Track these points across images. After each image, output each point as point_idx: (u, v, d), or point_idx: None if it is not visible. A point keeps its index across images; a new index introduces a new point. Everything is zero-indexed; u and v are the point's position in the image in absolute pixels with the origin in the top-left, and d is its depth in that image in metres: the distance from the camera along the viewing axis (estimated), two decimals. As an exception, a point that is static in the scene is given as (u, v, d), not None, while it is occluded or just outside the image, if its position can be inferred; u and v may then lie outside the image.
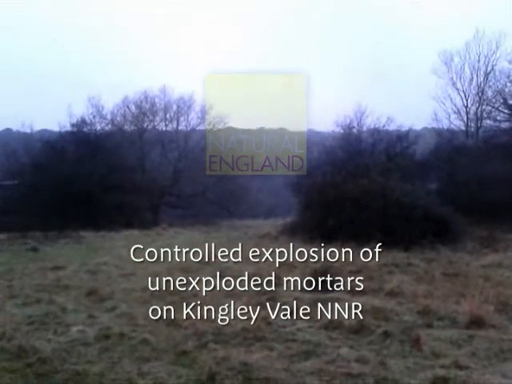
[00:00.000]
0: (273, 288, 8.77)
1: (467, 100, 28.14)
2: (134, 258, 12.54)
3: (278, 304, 7.67)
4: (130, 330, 6.24)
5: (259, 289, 8.67)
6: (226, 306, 7.54)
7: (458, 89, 28.20)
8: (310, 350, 5.59)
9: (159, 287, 8.74)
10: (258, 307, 7.46)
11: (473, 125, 28.22)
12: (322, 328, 6.46)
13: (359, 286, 8.83)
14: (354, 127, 27.89)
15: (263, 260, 12.02)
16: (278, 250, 14.10)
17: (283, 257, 12.55)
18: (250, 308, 7.38)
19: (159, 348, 5.63)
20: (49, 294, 8.30)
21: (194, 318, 6.72)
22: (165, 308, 7.41)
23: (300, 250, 13.95)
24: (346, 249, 13.41)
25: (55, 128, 29.70)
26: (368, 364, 5.10)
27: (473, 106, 28.03)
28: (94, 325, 6.52)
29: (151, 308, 7.42)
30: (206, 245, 15.65)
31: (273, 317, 6.88)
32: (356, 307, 7.39)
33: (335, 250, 13.43)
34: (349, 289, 8.58)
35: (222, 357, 5.18)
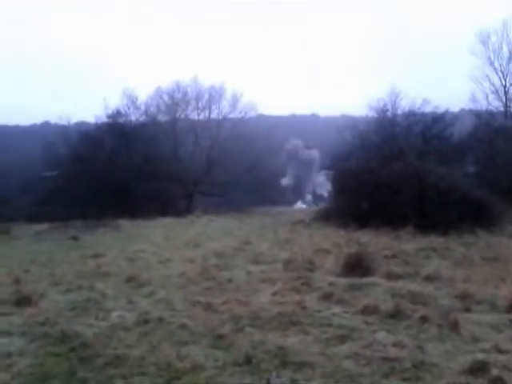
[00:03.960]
0: (307, 273, 8.81)
1: (506, 80, 27.11)
2: (170, 245, 12.85)
3: (313, 289, 7.70)
4: (169, 315, 6.36)
5: (294, 274, 8.72)
6: (261, 291, 7.64)
7: (495, 68, 27.18)
8: (345, 335, 5.57)
9: (196, 273, 8.93)
10: (293, 292, 7.53)
11: (512, 105, 27.22)
12: (358, 313, 6.43)
13: (395, 271, 8.77)
14: (388, 110, 27.30)
15: (297, 246, 12.12)
16: (311, 236, 14.21)
17: (317, 242, 12.63)
18: (285, 293, 7.45)
19: (197, 332, 5.72)
20: (89, 280, 8.52)
21: (230, 302, 6.80)
22: (202, 293, 7.57)
23: (334, 235, 14.05)
24: (381, 233, 13.48)
25: (91, 120, 30.31)
26: (405, 348, 5.05)
27: (512, 86, 27.02)
28: (133, 310, 6.69)
29: (188, 293, 7.60)
30: (240, 231, 15.96)
31: (308, 301, 6.88)
32: (392, 292, 7.37)
33: (370, 234, 13.52)
34: (385, 273, 8.52)
35: (258, 340, 5.24)
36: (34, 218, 19.01)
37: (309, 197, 44.24)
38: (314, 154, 46.20)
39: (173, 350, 5.13)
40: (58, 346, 5.36)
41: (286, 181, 42.31)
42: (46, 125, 41.85)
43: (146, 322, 6.13)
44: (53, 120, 34.87)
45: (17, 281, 8.43)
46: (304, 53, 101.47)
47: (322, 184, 35.81)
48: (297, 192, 43.57)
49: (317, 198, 39.68)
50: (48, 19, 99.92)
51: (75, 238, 14.52)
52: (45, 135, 27.69)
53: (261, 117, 37.23)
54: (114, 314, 6.47)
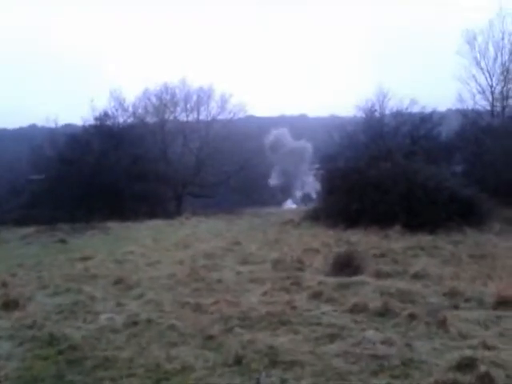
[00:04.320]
0: (297, 273, 8.83)
1: (492, 79, 27.33)
2: (158, 247, 12.80)
3: (303, 288, 7.71)
4: (158, 316, 6.34)
5: (283, 274, 8.73)
6: (250, 291, 7.63)
7: (482, 68, 27.38)
8: (335, 333, 5.58)
9: (185, 274, 8.90)
10: (283, 292, 7.54)
11: (498, 104, 27.40)
12: (347, 311, 6.45)
13: (384, 270, 8.82)
14: (375, 110, 27.48)
15: (286, 245, 12.13)
16: (300, 236, 14.23)
17: (306, 242, 12.65)
18: (275, 292, 7.46)
19: (186, 333, 5.70)
20: (77, 283, 8.46)
21: (219, 303, 6.79)
22: (191, 294, 7.55)
23: (323, 234, 14.09)
24: (370, 233, 13.54)
25: (79, 122, 30.09)
26: (394, 346, 5.07)
27: (498, 86, 27.19)
28: (122, 312, 6.65)
29: (177, 294, 7.57)
30: (229, 232, 15.94)
31: (297, 301, 6.89)
32: (381, 290, 7.40)
33: (359, 234, 13.58)
34: (373, 272, 8.56)
35: (248, 340, 5.23)
36: (21, 221, 18.85)
37: (298, 195, 41.46)
38: (305, 145, 42.59)
39: (162, 351, 5.11)
40: (45, 349, 5.32)
41: (273, 179, 40.32)
42: (33, 128, 41.48)
43: (135, 323, 6.10)
44: (40, 123, 34.60)
45: (4, 284, 8.34)
46: (293, 54, 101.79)
47: (311, 183, 34.51)
48: (285, 191, 41.55)
49: (306, 197, 37.24)
50: (34, 20, 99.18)
51: (63, 241, 14.40)
52: (32, 138, 27.41)
53: (250, 118, 37.23)
54: (103, 317, 6.43)
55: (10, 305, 6.97)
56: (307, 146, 42.03)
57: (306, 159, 41.47)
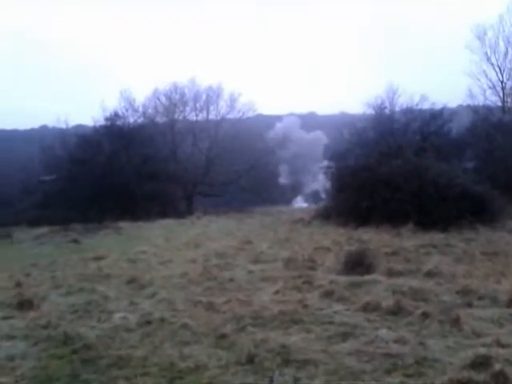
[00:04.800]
0: (308, 271, 8.82)
1: (503, 75, 27.14)
2: (170, 246, 12.86)
3: (314, 287, 7.71)
4: (171, 315, 6.37)
5: (295, 272, 8.73)
6: (262, 290, 7.65)
7: (492, 63, 27.21)
8: (347, 332, 5.58)
9: (197, 273, 8.94)
10: (295, 290, 7.54)
11: (509, 100, 27.24)
12: (359, 310, 6.44)
13: (396, 268, 8.78)
14: (385, 107, 27.33)
15: (297, 244, 12.13)
16: (311, 234, 14.22)
17: (317, 240, 12.64)
18: (287, 291, 7.46)
19: (199, 332, 5.73)
20: (91, 283, 8.53)
21: (231, 302, 6.81)
22: (203, 293, 7.58)
23: (334, 233, 14.07)
24: (382, 231, 13.49)
25: (89, 123, 30.34)
26: (407, 344, 5.06)
27: (509, 81, 27.02)
28: (135, 311, 6.70)
29: (190, 293, 7.61)
30: (240, 231, 15.97)
31: (309, 300, 6.89)
32: (393, 289, 7.37)
33: (370, 232, 13.53)
34: (385, 271, 8.53)
35: (260, 339, 5.24)
36: (34, 221, 19.04)
37: (308, 192, 39.17)
38: (319, 135, 39.27)
39: (175, 350, 5.15)
40: (60, 348, 5.36)
41: (282, 177, 38.72)
42: (44, 129, 41.82)
43: (148, 322, 6.14)
44: (51, 124, 34.88)
45: (18, 284, 8.44)
46: (302, 52, 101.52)
47: (322, 180, 33.04)
48: (296, 189, 40.25)
49: (315, 194, 35.58)
50: (46, 21, 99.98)
51: (76, 241, 14.54)
52: (43, 139, 27.64)
53: (259, 116, 37.18)
54: (116, 316, 6.47)
55: (25, 305, 7.05)
56: (320, 137, 39.28)
57: (319, 152, 37.17)
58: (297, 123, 41.97)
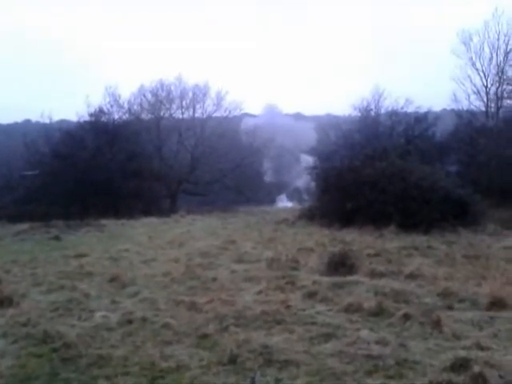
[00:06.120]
0: (291, 272, 8.84)
1: (487, 80, 27.49)
2: (154, 245, 12.77)
3: (297, 287, 7.72)
4: (153, 315, 6.32)
5: (278, 273, 8.74)
6: (245, 290, 7.64)
7: (477, 69, 27.53)
8: (329, 333, 5.59)
9: (180, 272, 8.89)
10: (278, 291, 7.54)
11: (493, 105, 27.57)
12: (342, 311, 6.46)
13: (378, 269, 8.84)
14: (371, 110, 27.61)
15: (281, 244, 12.14)
16: (295, 235, 14.26)
17: (301, 241, 12.67)
18: (270, 292, 7.46)
19: (181, 331, 5.69)
20: (72, 280, 8.42)
21: (214, 301, 6.79)
22: (186, 292, 7.54)
23: (318, 234, 14.13)
24: (365, 232, 13.59)
25: (74, 118, 29.96)
26: (388, 346, 5.08)
27: (493, 86, 27.36)
28: (116, 310, 6.63)
29: (172, 292, 7.56)
30: (224, 230, 15.94)
31: (292, 300, 6.90)
32: (375, 290, 7.42)
33: (353, 233, 13.62)
34: (368, 272, 8.58)
35: (242, 339, 5.22)
36: (15, 217, 18.76)
37: (293, 189, 37.54)
38: (307, 125, 37.21)
39: (157, 349, 5.10)
40: (40, 346, 5.28)
41: (268, 175, 37.55)
42: (27, 123, 41.28)
43: (130, 321, 6.08)
44: (34, 118, 34.42)
45: (-2, 281, 8.29)
46: (288, 52, 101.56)
47: (305, 179, 31.59)
48: (280, 187, 39.00)
49: (297, 192, 34.94)
50: (31, 16, 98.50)
51: (57, 238, 14.34)
52: (26, 133, 27.22)
53: (245, 115, 37.16)
54: (98, 314, 6.39)
55: (4, 302, 6.90)
56: (307, 126, 37.33)
57: (305, 143, 35.07)
58: (279, 112, 41.00)
